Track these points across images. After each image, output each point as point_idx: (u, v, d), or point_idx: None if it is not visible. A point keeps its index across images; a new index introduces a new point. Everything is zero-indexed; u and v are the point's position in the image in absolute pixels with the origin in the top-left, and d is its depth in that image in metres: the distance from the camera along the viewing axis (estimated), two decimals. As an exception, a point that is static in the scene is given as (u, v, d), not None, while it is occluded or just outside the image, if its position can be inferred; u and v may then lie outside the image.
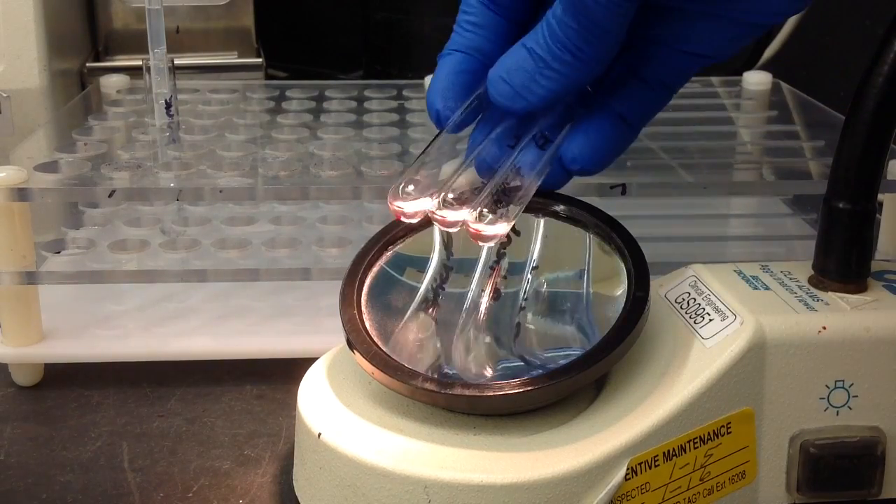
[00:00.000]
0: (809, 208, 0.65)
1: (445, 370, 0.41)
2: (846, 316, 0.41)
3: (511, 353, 0.43)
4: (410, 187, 0.41)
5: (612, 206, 0.45)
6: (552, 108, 0.42)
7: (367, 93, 0.73)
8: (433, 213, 0.40)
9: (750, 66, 0.85)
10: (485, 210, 0.40)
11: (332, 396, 0.42)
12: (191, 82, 0.75)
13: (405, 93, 0.73)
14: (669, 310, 0.43)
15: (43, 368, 0.54)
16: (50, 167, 0.56)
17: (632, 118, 0.43)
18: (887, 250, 0.54)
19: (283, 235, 0.58)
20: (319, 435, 0.40)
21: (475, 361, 0.42)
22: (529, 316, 0.43)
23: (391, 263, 0.44)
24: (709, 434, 0.40)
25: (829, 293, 0.43)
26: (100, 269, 0.55)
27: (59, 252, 0.57)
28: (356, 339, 0.41)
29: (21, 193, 0.51)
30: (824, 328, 0.40)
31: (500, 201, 0.40)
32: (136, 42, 0.80)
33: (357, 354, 0.41)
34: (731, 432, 0.40)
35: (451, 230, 0.41)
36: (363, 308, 0.43)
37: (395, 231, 0.45)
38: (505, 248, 0.44)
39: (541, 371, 0.40)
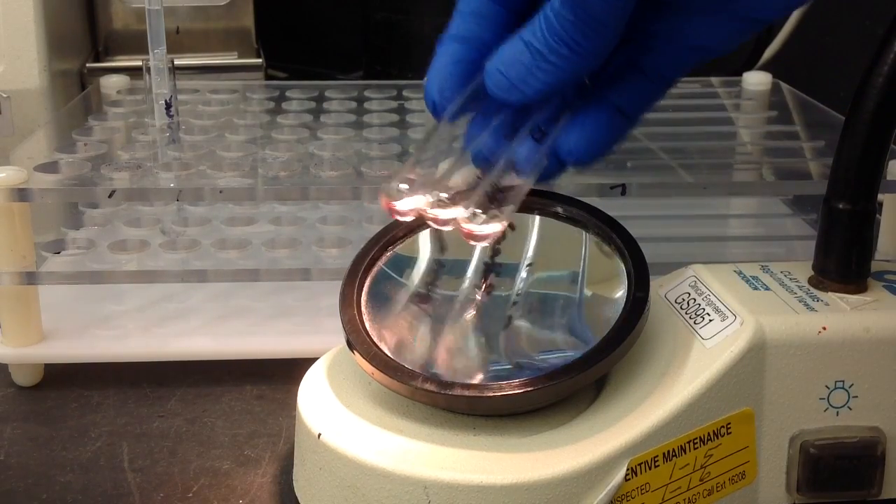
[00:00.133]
0: (809, 208, 0.65)
1: (434, 371, 0.41)
2: (846, 316, 0.41)
3: (501, 355, 0.42)
4: (404, 185, 0.40)
5: (612, 206, 0.45)
6: (549, 100, 0.42)
7: (367, 93, 0.73)
8: (425, 211, 0.40)
9: (750, 66, 0.85)
10: (477, 210, 0.39)
11: (332, 397, 0.42)
12: (191, 82, 0.75)
13: (405, 93, 0.73)
14: (669, 310, 0.43)
15: (43, 368, 0.54)
16: (50, 167, 0.56)
17: (629, 110, 0.42)
18: (887, 250, 0.54)
19: (283, 236, 0.58)
20: (319, 435, 0.40)
21: (464, 365, 0.42)
22: (521, 317, 0.43)
23: (391, 264, 0.44)
24: (709, 434, 0.40)
25: (829, 293, 0.42)
26: (100, 270, 0.55)
27: (59, 252, 0.58)
28: (356, 340, 0.41)
29: (21, 194, 0.51)
30: (824, 328, 0.40)
31: (494, 199, 0.40)
32: (136, 42, 0.80)
33: (357, 355, 0.41)
34: (730, 433, 0.40)
35: (443, 228, 0.41)
36: (363, 308, 0.43)
37: (395, 231, 0.45)
38: (500, 245, 0.44)
39: (532, 374, 0.40)
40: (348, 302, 0.42)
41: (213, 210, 0.61)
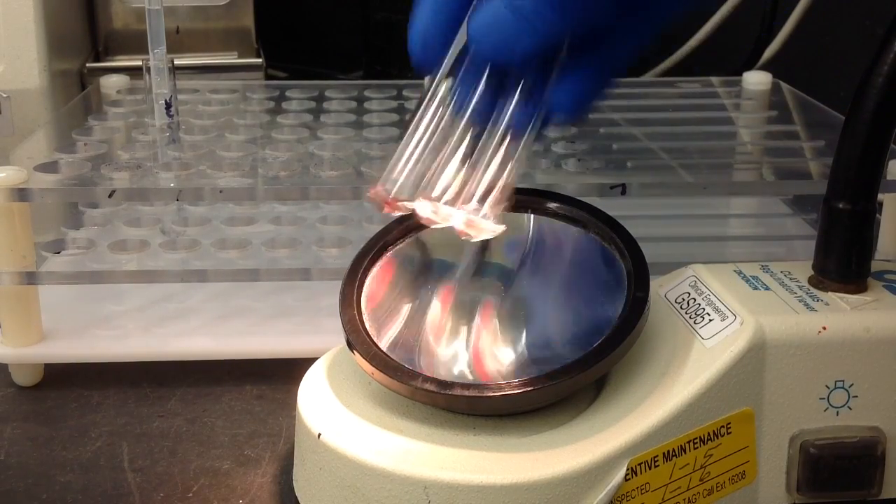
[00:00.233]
0: (809, 208, 0.65)
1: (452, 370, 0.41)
2: (846, 316, 0.41)
3: (515, 350, 0.42)
4: (397, 179, 0.40)
5: (612, 206, 0.45)
6: (537, 59, 0.42)
7: (367, 93, 0.73)
8: (418, 210, 0.40)
9: (750, 66, 0.85)
10: (472, 205, 0.39)
11: (332, 396, 0.42)
12: (191, 82, 0.75)
13: (405, 93, 0.73)
14: (669, 310, 0.43)
15: (43, 368, 0.54)
16: (50, 167, 0.56)
17: (617, 63, 0.42)
18: (887, 250, 0.54)
19: (283, 235, 0.58)
20: (319, 435, 0.40)
21: (492, 361, 0.42)
22: (522, 316, 0.43)
23: (392, 263, 0.44)
24: (709, 434, 0.40)
25: (829, 293, 0.42)
26: (100, 270, 0.55)
27: (59, 252, 0.57)
28: (356, 340, 0.41)
29: (21, 193, 0.51)
30: (824, 328, 0.40)
31: (489, 192, 0.40)
32: (136, 42, 0.80)
33: (357, 355, 0.41)
34: (730, 432, 0.40)
35: (437, 226, 0.41)
36: (363, 308, 0.43)
37: (395, 231, 0.45)
38: (499, 244, 0.44)
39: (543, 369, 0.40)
40: (348, 301, 0.42)
41: (213, 210, 0.61)
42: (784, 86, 0.74)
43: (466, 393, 0.39)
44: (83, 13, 0.82)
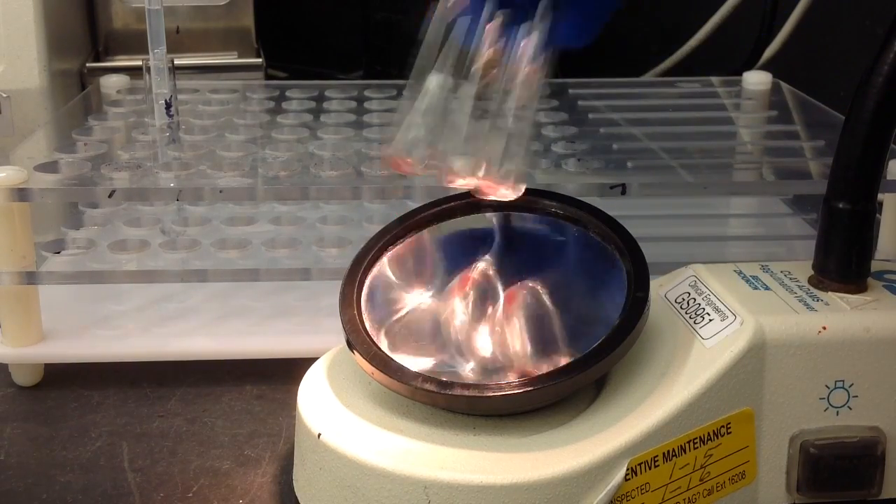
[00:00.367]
0: (809, 208, 0.65)
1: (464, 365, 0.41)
2: (846, 316, 0.41)
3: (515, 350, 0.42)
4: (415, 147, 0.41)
5: (612, 206, 0.45)
6: None
7: (367, 93, 0.73)
8: (441, 175, 0.40)
9: (750, 66, 0.84)
10: (490, 170, 0.39)
11: (332, 396, 0.42)
12: (191, 82, 0.75)
13: (405, 93, 0.73)
14: (669, 310, 0.43)
15: (43, 368, 0.54)
16: (50, 167, 0.56)
17: None
18: (887, 250, 0.54)
19: (283, 235, 0.58)
20: (319, 435, 0.40)
21: (492, 360, 0.42)
22: (522, 316, 0.43)
23: (392, 263, 0.44)
24: (709, 434, 0.40)
25: (829, 293, 0.43)
26: (100, 270, 0.55)
27: (59, 252, 0.57)
28: (356, 340, 0.41)
29: (21, 193, 0.51)
30: (824, 328, 0.40)
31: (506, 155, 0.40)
32: (136, 42, 0.80)
33: (357, 355, 0.41)
34: (730, 432, 0.40)
35: (457, 186, 0.41)
36: (363, 308, 0.43)
37: (395, 231, 0.45)
38: (500, 244, 0.44)
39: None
40: (348, 301, 0.42)
41: (213, 210, 0.61)
42: (784, 86, 0.74)
43: (466, 393, 0.39)
44: (83, 13, 0.82)
